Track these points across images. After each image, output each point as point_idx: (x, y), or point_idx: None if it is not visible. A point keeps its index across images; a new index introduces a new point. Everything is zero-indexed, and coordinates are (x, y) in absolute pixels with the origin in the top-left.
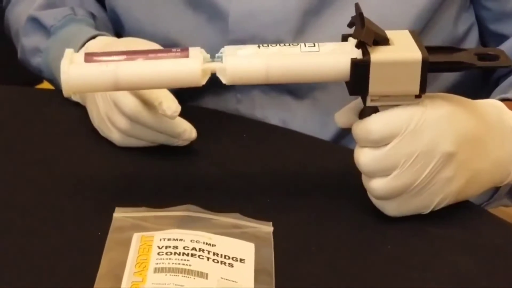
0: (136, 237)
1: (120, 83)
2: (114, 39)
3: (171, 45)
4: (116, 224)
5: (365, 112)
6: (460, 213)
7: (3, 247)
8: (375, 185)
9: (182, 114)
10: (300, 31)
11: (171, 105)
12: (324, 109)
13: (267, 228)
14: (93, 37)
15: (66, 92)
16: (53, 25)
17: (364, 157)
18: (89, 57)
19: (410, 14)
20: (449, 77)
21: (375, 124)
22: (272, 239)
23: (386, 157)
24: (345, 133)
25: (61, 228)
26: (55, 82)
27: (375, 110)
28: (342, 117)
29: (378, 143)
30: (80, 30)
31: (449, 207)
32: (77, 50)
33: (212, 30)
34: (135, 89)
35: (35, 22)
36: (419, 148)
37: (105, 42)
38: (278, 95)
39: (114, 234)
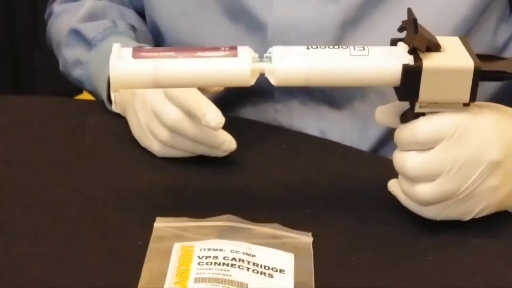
0: (176, 247)
1: (168, 80)
2: None
3: None
4: (157, 234)
5: (408, 116)
6: (502, 224)
7: (48, 255)
8: (421, 191)
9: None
10: (339, 41)
11: (215, 116)
12: (362, 119)
13: (307, 239)
14: None
15: (114, 87)
16: (94, 37)
17: (411, 161)
18: (137, 52)
19: (449, 25)
20: (490, 86)
21: (424, 125)
22: (311, 249)
23: (434, 161)
24: (384, 143)
25: (102, 238)
26: (96, 93)
27: (419, 114)
28: (383, 112)
29: (424, 145)
30: (120, 42)
31: (490, 218)
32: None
33: (251, 41)
34: (184, 87)
35: (76, 34)
36: (466, 154)
37: None
38: (317, 105)
39: (155, 244)
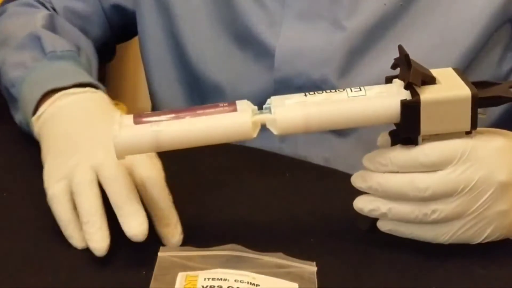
0: (180, 276)
1: (170, 143)
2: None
3: (219, 82)
4: (161, 264)
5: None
6: (508, 253)
7: (52, 285)
8: (434, 210)
9: (226, 153)
10: (345, 69)
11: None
12: (367, 148)
13: (311, 268)
14: (81, 85)
15: (118, 155)
16: (52, 52)
17: (424, 181)
18: (138, 118)
19: (454, 55)
20: (494, 112)
21: (433, 147)
22: (316, 279)
23: (447, 181)
24: None
25: (106, 268)
26: (20, 103)
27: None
28: (386, 138)
29: (434, 166)
30: (72, 70)
31: (498, 247)
32: (55, 86)
33: (258, 68)
34: (187, 147)
35: (36, 40)
36: (477, 175)
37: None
38: (322, 133)
39: (159, 274)
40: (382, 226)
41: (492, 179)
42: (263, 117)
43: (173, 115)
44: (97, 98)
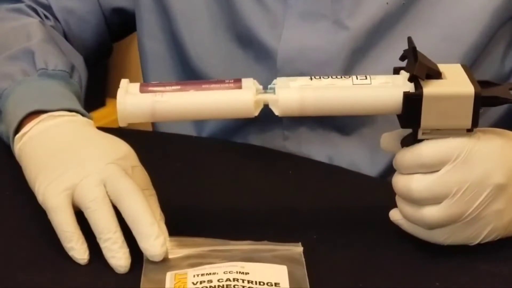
0: (169, 276)
1: (172, 113)
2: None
3: None
4: (149, 266)
5: (410, 140)
6: (509, 249)
7: (51, 283)
8: (427, 213)
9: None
10: (348, 69)
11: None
12: (371, 146)
13: (298, 249)
14: (69, 110)
15: (121, 121)
16: (43, 69)
17: (417, 183)
18: (144, 87)
19: (458, 52)
20: (495, 112)
21: (429, 148)
22: (303, 259)
23: (440, 183)
24: (393, 168)
25: (106, 267)
26: (0, 114)
27: (422, 140)
28: (388, 139)
29: (429, 167)
30: (64, 94)
31: (500, 243)
32: (41, 107)
33: (260, 69)
34: (189, 120)
35: (29, 54)
36: (471, 177)
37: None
38: (325, 131)
39: (147, 275)
40: (393, 215)
41: (487, 181)
42: (266, 96)
43: (178, 87)
44: (85, 122)
